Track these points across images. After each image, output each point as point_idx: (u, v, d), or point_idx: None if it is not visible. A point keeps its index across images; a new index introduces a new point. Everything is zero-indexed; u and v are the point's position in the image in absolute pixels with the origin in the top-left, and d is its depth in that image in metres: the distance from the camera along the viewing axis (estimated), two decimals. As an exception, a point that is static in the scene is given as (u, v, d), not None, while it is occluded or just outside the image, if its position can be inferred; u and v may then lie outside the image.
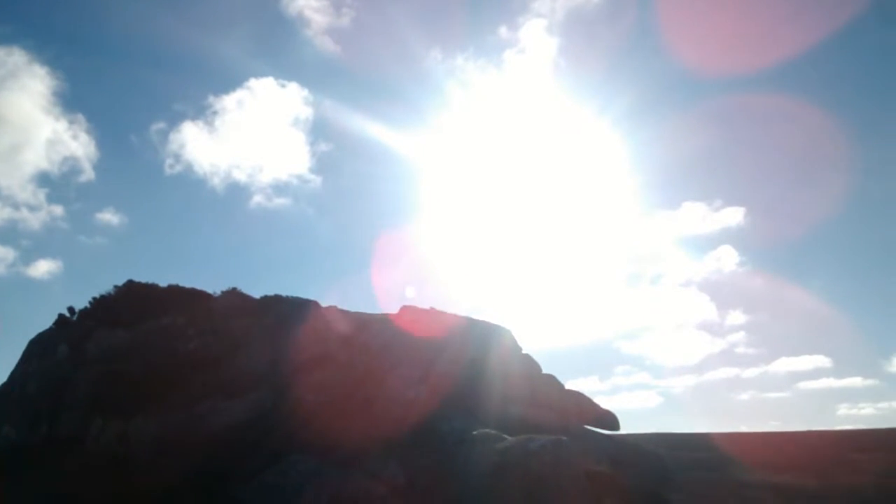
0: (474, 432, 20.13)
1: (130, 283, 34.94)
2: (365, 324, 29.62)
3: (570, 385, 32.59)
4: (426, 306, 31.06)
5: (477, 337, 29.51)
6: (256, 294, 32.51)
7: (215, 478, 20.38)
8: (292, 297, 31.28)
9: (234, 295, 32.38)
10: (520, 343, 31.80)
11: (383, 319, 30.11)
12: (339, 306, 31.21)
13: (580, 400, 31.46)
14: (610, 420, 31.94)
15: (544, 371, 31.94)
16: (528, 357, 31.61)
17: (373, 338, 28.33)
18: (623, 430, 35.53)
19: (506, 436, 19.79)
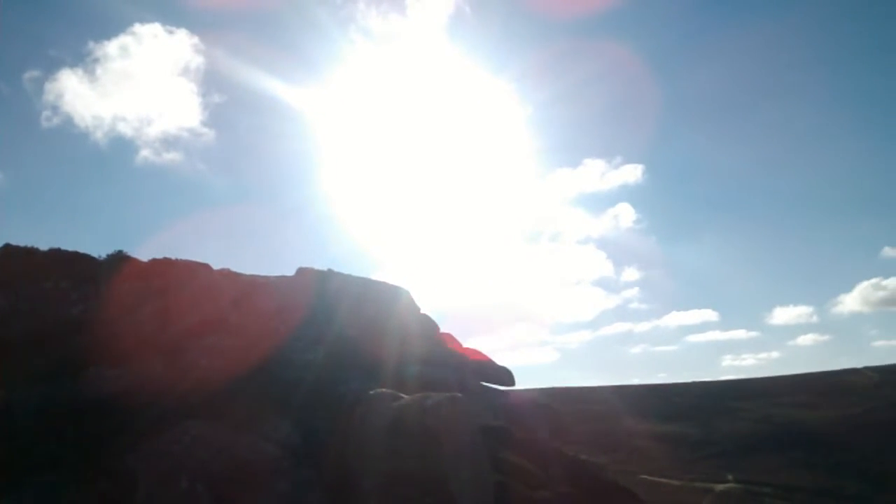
0: (371, 392, 20.12)
1: (7, 246, 32.96)
2: (259, 286, 29.04)
3: (468, 343, 33.15)
4: (323, 267, 30.75)
5: (374, 298, 29.46)
6: (144, 257, 31.28)
7: (103, 445, 19.67)
8: (182, 260, 30.24)
9: (120, 258, 31.05)
10: (418, 303, 31.98)
11: (278, 281, 29.61)
12: (233, 268, 30.46)
13: (477, 357, 31.95)
14: (506, 376, 32.61)
15: (442, 330, 32.28)
16: (425, 317, 31.83)
17: (267, 300, 27.83)
18: (520, 386, 36.50)
19: (402, 395, 19.87)
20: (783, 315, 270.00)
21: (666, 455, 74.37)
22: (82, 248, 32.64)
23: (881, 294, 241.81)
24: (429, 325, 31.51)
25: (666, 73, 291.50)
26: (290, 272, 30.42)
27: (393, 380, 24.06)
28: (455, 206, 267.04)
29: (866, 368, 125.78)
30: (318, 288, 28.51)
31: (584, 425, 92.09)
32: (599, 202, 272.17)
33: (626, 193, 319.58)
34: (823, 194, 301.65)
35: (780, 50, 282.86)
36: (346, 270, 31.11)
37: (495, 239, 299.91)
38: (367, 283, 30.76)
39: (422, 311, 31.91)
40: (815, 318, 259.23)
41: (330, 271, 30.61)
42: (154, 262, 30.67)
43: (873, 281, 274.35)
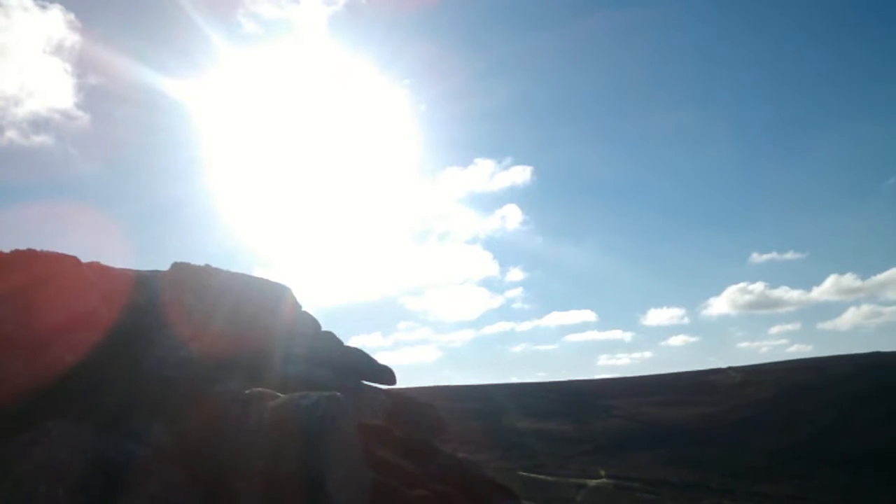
0: (246, 391, 19.80)
1: None
2: (132, 281, 27.97)
3: (352, 342, 33.20)
4: (201, 262, 29.90)
5: (254, 295, 28.89)
6: (5, 247, 29.51)
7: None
8: (49, 252, 28.74)
9: (-21, 249, 29.19)
10: (300, 301, 31.62)
11: (153, 276, 28.59)
12: (104, 261, 29.19)
13: (358, 356, 31.95)
14: (387, 375, 32.73)
15: (324, 328, 32.07)
16: (307, 315, 31.53)
17: (140, 296, 26.85)
18: (403, 385, 36.78)
19: (279, 394, 19.65)
20: (657, 316, 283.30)
21: (543, 451, 76.46)
22: (-65, 238, 30.56)
23: (747, 298, 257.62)
24: (310, 323, 31.24)
25: (558, 75, 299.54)
26: (166, 267, 29.43)
27: (271, 379, 23.74)
28: (342, 204, 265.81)
29: (730, 368, 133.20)
30: (195, 284, 27.71)
31: (464, 423, 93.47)
32: (488, 202, 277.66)
33: (515, 194, 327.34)
34: (699, 202, 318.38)
35: (666, 57, 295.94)
36: (226, 267, 30.36)
37: (382, 237, 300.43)
38: (247, 280, 30.12)
39: (303, 310, 31.57)
40: (686, 320, 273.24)
41: (208, 267, 29.78)
42: (16, 253, 28.96)
43: (741, 285, 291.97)
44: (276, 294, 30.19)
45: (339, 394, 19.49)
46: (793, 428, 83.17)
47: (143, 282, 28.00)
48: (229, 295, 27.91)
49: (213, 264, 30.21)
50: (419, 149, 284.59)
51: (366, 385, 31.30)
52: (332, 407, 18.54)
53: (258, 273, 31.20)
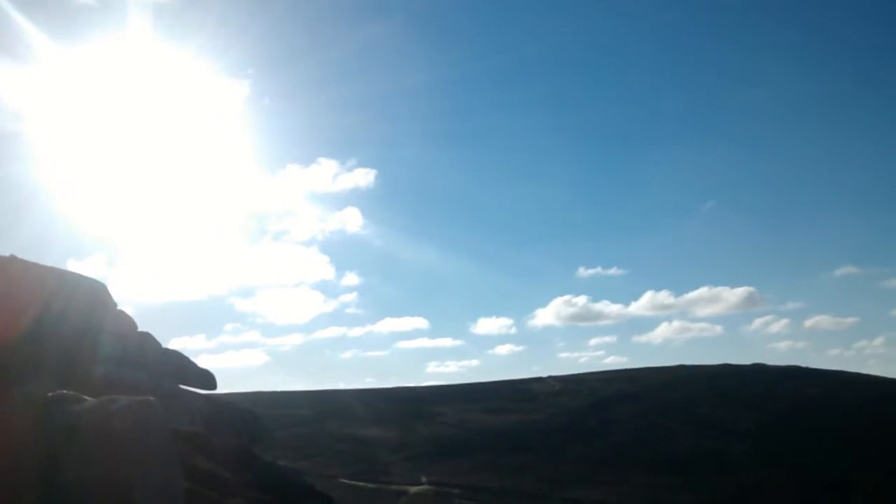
0: (49, 394, 18.47)
1: None
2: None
3: (172, 343, 31.80)
4: (6, 253, 27.72)
5: (64, 290, 27.09)
6: None
7: None
8: None
9: None
10: (117, 298, 30.00)
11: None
12: None
13: (177, 359, 30.66)
14: (208, 380, 31.60)
15: (144, 328, 30.59)
16: (122, 313, 29.90)
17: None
18: (226, 390, 35.69)
19: (86, 397, 18.48)
20: (486, 325, 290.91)
21: (367, 458, 76.51)
22: None
23: (571, 310, 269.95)
24: (126, 322, 29.61)
25: (412, 71, 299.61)
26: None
27: (79, 381, 22.31)
28: (170, 199, 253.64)
29: (550, 377, 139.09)
30: (-2, 276, 25.61)
31: (288, 430, 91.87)
32: (328, 204, 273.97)
33: (357, 197, 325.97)
34: (535, 213, 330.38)
35: (516, 59, 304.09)
36: (35, 259, 28.28)
37: (214, 235, 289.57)
38: (58, 274, 28.18)
39: (119, 308, 29.93)
40: (513, 330, 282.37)
41: (14, 258, 27.62)
42: None
43: (566, 297, 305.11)
44: (89, 290, 28.47)
45: (152, 398, 18.62)
46: (605, 435, 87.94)
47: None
48: (37, 289, 26.05)
49: (21, 255, 28.15)
50: (260, 144, 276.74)
51: (183, 390, 30.07)
52: (143, 412, 17.67)
53: (72, 267, 29.26)
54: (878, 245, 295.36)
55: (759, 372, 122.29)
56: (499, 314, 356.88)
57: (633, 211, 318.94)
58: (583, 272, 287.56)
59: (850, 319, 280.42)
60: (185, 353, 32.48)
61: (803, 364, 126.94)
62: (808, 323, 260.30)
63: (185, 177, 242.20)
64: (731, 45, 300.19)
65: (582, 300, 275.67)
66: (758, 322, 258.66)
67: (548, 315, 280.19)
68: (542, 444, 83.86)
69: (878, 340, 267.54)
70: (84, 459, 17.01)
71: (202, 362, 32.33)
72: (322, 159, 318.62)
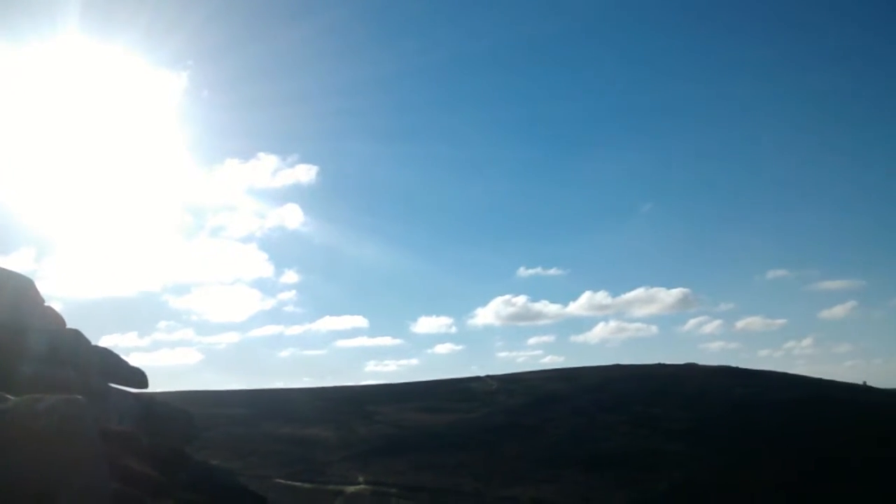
0: (-31, 393, 17.74)
1: None
2: None
3: (103, 341, 31.03)
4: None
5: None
6: None
7: None
8: None
9: None
10: (44, 294, 29.08)
11: None
12: None
13: (107, 357, 29.89)
14: (139, 378, 30.90)
15: (73, 325, 29.69)
16: (50, 310, 28.99)
17: None
18: (160, 388, 35.06)
19: (10, 396, 17.81)
20: (426, 324, 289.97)
21: (303, 458, 75.69)
22: None
23: (510, 310, 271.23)
24: (53, 319, 28.70)
25: (358, 64, 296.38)
26: None
27: (5, 380, 21.62)
28: (103, 193, 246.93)
29: (488, 376, 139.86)
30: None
31: (222, 429, 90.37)
32: (268, 200, 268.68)
33: (298, 194, 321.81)
34: (472, 213, 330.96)
35: (463, 59, 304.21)
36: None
37: (147, 230, 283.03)
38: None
39: (46, 304, 28.99)
40: (453, 329, 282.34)
41: (-67, 252, 26.59)
42: None
43: (506, 297, 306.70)
44: (15, 285, 27.54)
45: (80, 397, 18.06)
46: (542, 433, 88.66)
47: None
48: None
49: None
50: (198, 138, 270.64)
51: (114, 388, 29.30)
52: (70, 411, 17.11)
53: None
54: (807, 248, 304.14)
55: (691, 372, 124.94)
56: (439, 313, 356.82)
57: (574, 211, 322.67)
58: (523, 272, 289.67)
59: (780, 321, 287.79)
60: (116, 351, 31.74)
61: (734, 364, 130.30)
62: (740, 324, 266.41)
63: (119, 170, 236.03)
64: (671, 44, 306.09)
65: (521, 300, 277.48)
66: (692, 322, 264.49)
67: (487, 314, 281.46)
68: (480, 442, 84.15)
69: (807, 341, 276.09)
70: (6, 461, 16.40)
71: (134, 360, 31.63)
72: (262, 154, 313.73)
